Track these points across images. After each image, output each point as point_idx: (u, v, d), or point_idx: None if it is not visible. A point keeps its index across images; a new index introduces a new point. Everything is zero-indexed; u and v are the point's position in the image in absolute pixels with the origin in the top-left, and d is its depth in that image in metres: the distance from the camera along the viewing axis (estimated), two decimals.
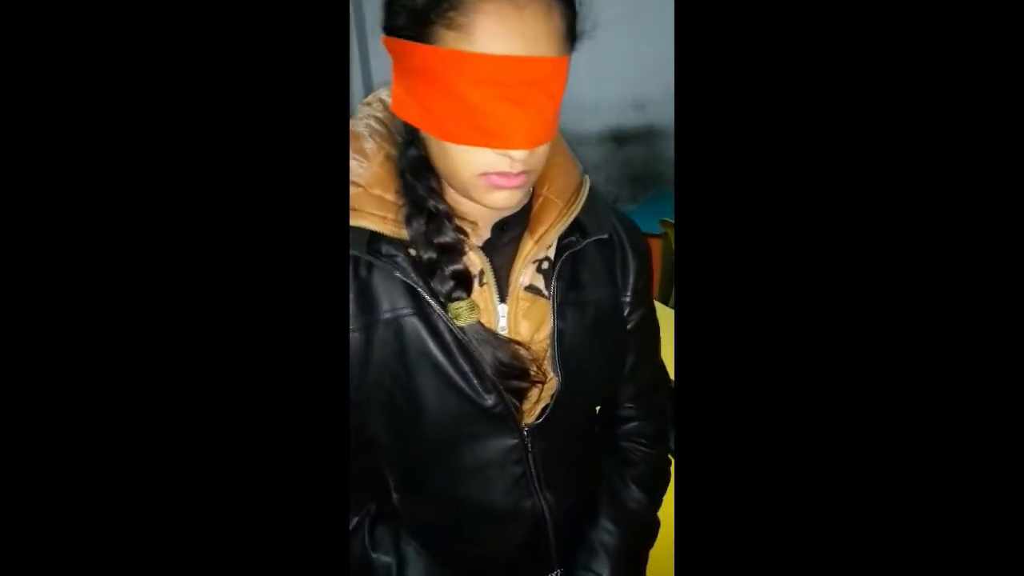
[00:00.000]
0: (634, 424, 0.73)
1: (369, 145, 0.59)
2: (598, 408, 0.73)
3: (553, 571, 0.70)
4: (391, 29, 0.53)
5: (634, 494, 0.70)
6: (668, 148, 3.25)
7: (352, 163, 0.58)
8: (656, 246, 2.28)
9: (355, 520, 0.65)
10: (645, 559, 0.73)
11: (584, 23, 0.54)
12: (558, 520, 0.66)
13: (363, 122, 0.61)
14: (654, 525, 0.73)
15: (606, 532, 0.68)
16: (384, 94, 0.62)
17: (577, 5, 0.53)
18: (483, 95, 0.49)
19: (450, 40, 0.49)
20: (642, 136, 3.22)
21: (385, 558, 0.64)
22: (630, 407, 0.73)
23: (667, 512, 1.01)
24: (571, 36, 0.53)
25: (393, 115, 0.59)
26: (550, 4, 0.50)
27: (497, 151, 0.51)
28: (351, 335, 0.58)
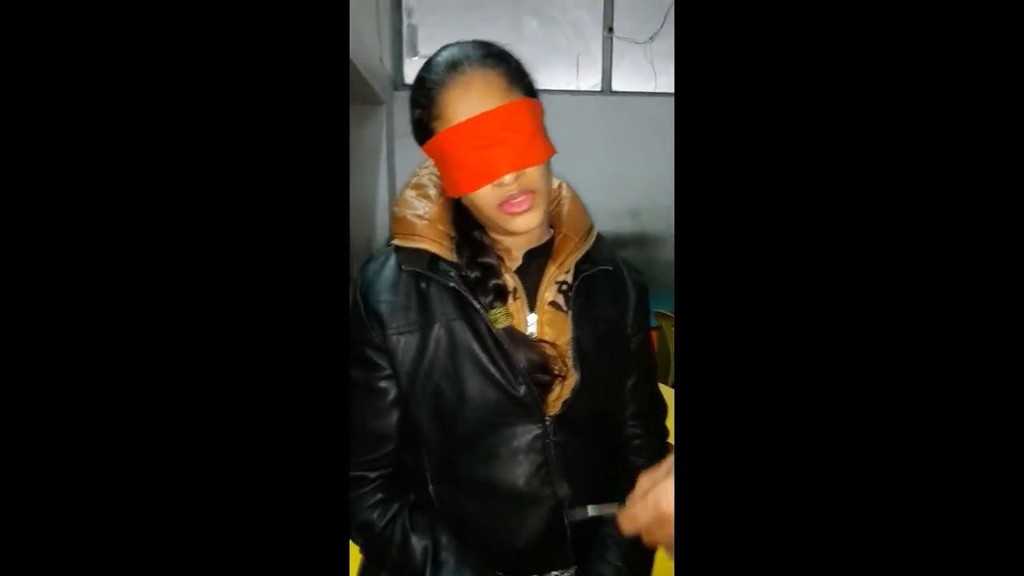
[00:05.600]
0: (638, 441, 0.84)
1: (432, 191, 0.77)
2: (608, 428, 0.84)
3: (569, 567, 0.78)
4: (418, 141, 0.73)
5: None
6: (661, 252, 3.54)
7: (419, 202, 0.76)
8: (653, 336, 2.47)
9: (395, 507, 0.74)
10: (652, 557, 0.81)
11: (527, 71, 0.72)
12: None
13: (425, 176, 0.79)
14: None
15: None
16: None
17: (513, 61, 0.71)
18: (467, 152, 0.67)
19: (439, 128, 0.68)
20: (637, 241, 3.51)
21: (423, 540, 0.73)
22: (633, 425, 0.84)
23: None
24: (518, 83, 0.70)
25: None
26: (487, 69, 0.68)
27: (493, 184, 0.68)
28: (410, 335, 0.72)
